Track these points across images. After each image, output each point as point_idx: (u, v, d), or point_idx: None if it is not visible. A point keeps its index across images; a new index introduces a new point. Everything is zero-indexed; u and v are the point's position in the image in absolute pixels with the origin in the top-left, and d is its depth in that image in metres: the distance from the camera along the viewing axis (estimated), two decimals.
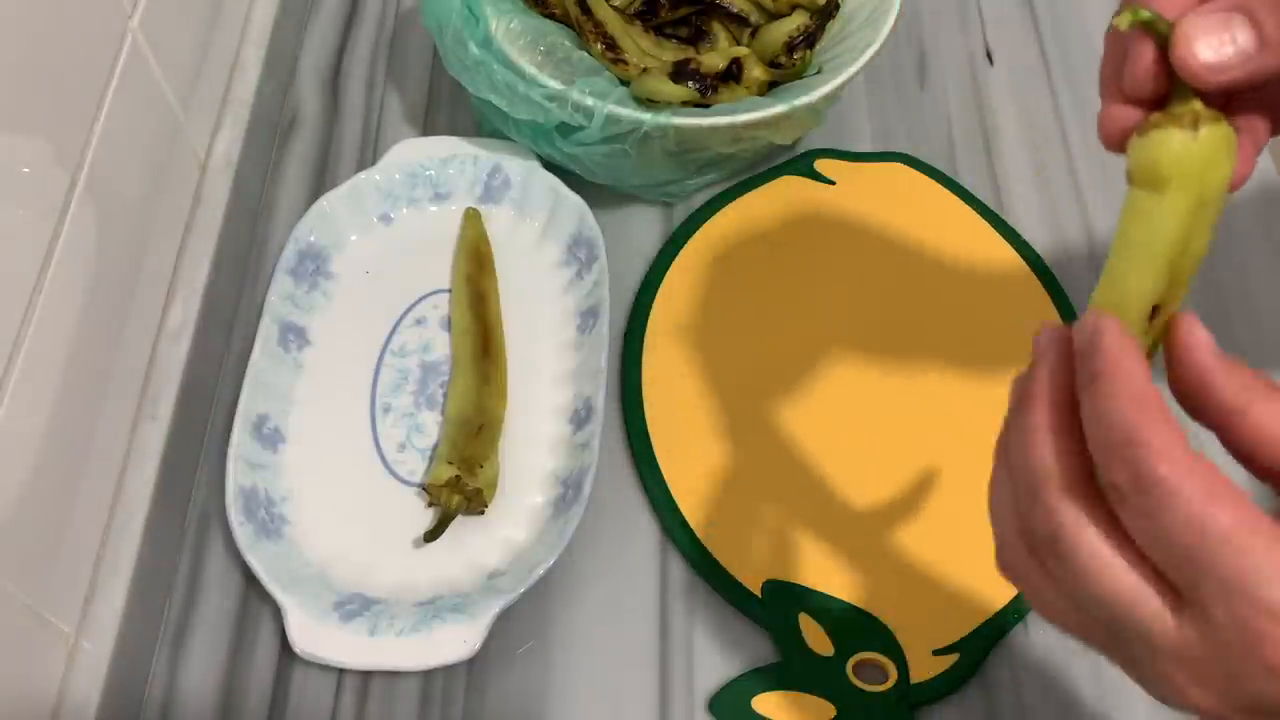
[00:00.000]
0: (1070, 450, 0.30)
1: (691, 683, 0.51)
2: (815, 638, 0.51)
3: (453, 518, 0.52)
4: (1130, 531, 0.29)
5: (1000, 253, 0.64)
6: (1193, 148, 0.31)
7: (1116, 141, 0.33)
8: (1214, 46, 0.30)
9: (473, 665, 0.51)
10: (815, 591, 0.53)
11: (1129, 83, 0.32)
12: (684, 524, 0.54)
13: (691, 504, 0.55)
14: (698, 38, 0.65)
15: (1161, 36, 0.31)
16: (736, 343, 0.60)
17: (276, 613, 0.51)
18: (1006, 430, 0.33)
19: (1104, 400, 0.29)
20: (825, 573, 0.53)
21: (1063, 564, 0.30)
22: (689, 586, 0.54)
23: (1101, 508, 0.29)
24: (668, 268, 0.62)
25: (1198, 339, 0.31)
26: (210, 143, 0.61)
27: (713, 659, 0.52)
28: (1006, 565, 0.33)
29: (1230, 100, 0.34)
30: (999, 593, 0.53)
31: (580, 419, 0.56)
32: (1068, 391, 0.31)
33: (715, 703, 0.50)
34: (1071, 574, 0.30)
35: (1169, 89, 0.32)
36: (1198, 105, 0.31)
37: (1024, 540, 0.31)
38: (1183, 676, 0.29)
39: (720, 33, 0.65)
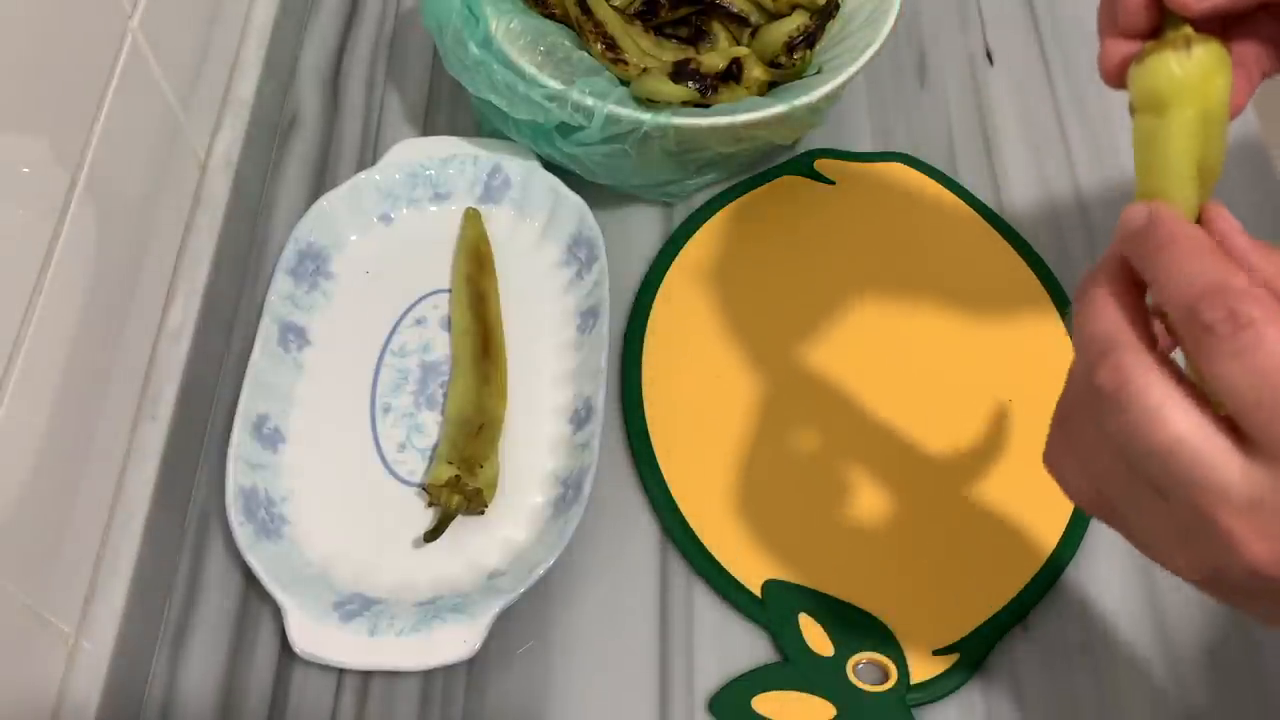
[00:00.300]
0: (1135, 320, 0.31)
1: (691, 683, 0.51)
2: (815, 638, 0.51)
3: (453, 518, 0.52)
4: (1213, 376, 0.29)
5: (1000, 253, 0.64)
6: (1189, 65, 0.32)
7: (1116, 75, 0.35)
8: None
9: (473, 665, 0.51)
10: (815, 591, 0.53)
11: (1123, 17, 0.34)
12: (684, 524, 0.54)
13: (691, 504, 0.55)
14: (698, 38, 0.65)
15: None
16: (736, 342, 0.60)
17: (276, 613, 0.51)
18: (1075, 317, 0.34)
19: (1181, 259, 0.30)
20: (825, 573, 0.53)
21: (1123, 414, 0.30)
22: (689, 586, 0.54)
23: (1166, 366, 0.30)
24: (668, 268, 0.62)
25: (1232, 224, 0.32)
26: (210, 143, 0.61)
27: (713, 659, 0.52)
28: (1049, 459, 0.34)
29: (1224, 32, 0.35)
30: (999, 593, 0.53)
31: (580, 419, 0.56)
32: (1127, 279, 0.32)
33: (715, 703, 0.50)
34: (1132, 425, 0.30)
35: (1161, 21, 0.34)
36: (1188, 30, 0.32)
37: (1086, 399, 0.32)
38: (1244, 527, 0.28)
39: (720, 33, 0.65)
